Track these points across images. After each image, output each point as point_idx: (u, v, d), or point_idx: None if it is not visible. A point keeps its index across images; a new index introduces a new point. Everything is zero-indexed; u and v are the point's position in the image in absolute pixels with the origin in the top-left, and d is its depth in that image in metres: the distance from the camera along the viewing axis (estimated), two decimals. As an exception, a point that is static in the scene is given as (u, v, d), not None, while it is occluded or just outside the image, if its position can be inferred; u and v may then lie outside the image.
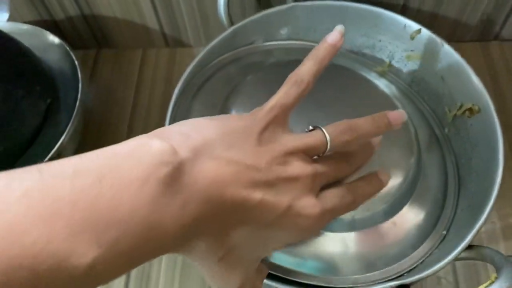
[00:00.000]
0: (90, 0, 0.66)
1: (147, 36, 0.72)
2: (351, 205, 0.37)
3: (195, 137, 0.28)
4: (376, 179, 0.39)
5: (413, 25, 0.52)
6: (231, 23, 0.55)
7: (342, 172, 0.37)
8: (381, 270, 0.41)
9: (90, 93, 0.71)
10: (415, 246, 0.43)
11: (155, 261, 0.58)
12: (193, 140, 0.28)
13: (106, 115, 0.69)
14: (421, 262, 0.42)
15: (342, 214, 0.37)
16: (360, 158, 0.39)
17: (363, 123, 0.35)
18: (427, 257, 0.43)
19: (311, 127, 0.34)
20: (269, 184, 0.30)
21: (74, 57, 0.59)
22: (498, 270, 0.39)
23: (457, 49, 0.50)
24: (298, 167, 0.31)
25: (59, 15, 0.69)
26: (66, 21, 0.70)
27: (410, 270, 0.42)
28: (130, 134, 0.67)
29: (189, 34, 0.71)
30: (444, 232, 0.44)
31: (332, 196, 0.34)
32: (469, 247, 0.40)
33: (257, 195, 0.29)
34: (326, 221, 0.34)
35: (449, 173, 0.49)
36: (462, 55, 0.49)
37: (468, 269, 0.55)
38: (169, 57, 0.73)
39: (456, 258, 0.39)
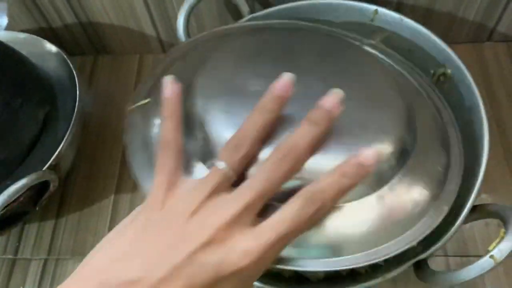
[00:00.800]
0: (86, 7, 0.67)
1: (144, 42, 0.72)
2: (319, 213, 0.30)
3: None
4: (355, 166, 0.30)
5: (369, 7, 0.54)
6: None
7: (287, 174, 0.31)
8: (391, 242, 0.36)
9: (89, 99, 0.72)
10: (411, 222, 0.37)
11: None
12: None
13: (104, 121, 0.70)
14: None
15: (310, 228, 0.31)
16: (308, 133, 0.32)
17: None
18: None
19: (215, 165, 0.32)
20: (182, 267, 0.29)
21: (71, 65, 0.59)
22: (506, 224, 0.38)
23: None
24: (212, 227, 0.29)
25: (56, 22, 0.70)
26: (63, 29, 0.71)
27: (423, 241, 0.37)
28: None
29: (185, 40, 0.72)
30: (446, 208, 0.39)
31: (278, 221, 0.29)
32: (473, 208, 0.40)
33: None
34: (278, 251, 0.30)
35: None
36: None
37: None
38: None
39: (464, 221, 0.39)
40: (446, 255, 0.54)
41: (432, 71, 0.52)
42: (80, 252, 0.60)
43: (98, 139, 0.68)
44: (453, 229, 0.39)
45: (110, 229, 0.59)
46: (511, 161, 0.60)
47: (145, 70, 0.73)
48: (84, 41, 0.73)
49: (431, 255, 0.40)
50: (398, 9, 0.64)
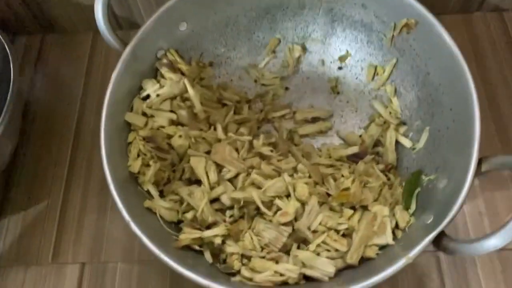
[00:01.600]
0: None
1: (97, 18, 0.64)
2: None
3: None
4: None
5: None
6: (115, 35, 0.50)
7: None
8: None
9: (36, 81, 0.64)
10: None
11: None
12: None
13: (54, 104, 0.62)
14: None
15: None
16: None
17: None
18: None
19: None
20: None
21: (5, 43, 0.51)
22: None
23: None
24: None
25: (-6, -3, 0.61)
26: (3, 5, 0.62)
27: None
28: (79, 124, 0.61)
29: (143, 14, 0.64)
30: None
31: None
32: (480, 162, 0.40)
33: None
34: None
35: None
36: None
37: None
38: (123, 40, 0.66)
39: (475, 175, 0.39)
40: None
41: (392, 24, 0.51)
42: (24, 260, 0.53)
43: (48, 122, 0.61)
44: (465, 189, 0.39)
45: (58, 232, 0.54)
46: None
47: (99, 50, 0.65)
48: (28, 19, 0.65)
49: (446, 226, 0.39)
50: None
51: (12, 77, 0.49)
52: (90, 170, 0.57)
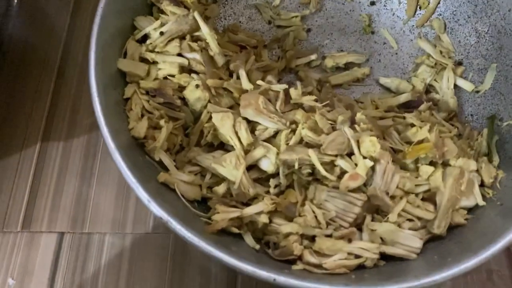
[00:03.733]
0: None
1: None
2: None
3: None
4: None
5: None
6: None
7: None
8: None
9: (10, 18, 0.51)
10: None
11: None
12: None
13: (32, 45, 0.50)
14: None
15: None
16: None
17: None
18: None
19: None
20: None
21: None
22: None
23: None
24: None
25: None
26: None
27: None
28: (63, 62, 0.49)
29: None
30: None
31: None
32: None
33: None
34: None
35: None
36: None
37: None
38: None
39: None
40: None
41: None
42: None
43: (22, 68, 0.48)
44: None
45: (32, 193, 0.43)
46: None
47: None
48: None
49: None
50: None
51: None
52: (73, 123, 0.46)
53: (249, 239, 0.35)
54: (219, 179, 0.36)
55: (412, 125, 0.38)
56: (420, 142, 0.36)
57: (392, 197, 0.34)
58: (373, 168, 0.34)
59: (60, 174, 0.44)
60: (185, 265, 0.40)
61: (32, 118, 0.46)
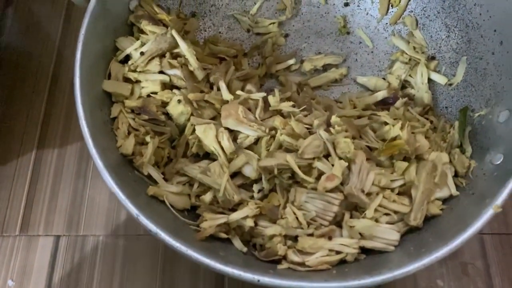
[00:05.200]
0: None
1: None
2: None
3: None
4: None
5: None
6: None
7: None
8: None
9: (4, 24, 0.54)
10: None
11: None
12: None
13: (26, 51, 0.52)
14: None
15: None
16: None
17: None
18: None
19: None
20: None
21: None
22: None
23: None
24: None
25: None
26: None
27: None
28: (57, 69, 0.51)
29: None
30: None
31: None
32: None
33: None
34: None
35: None
36: None
37: None
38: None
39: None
40: None
41: None
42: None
43: (17, 76, 0.51)
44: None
45: (29, 199, 0.45)
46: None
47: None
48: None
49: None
50: None
51: None
52: (67, 129, 0.49)
53: (237, 243, 0.37)
54: (206, 187, 0.38)
55: (386, 123, 0.40)
56: (393, 139, 0.38)
57: (369, 194, 0.36)
58: (349, 168, 0.36)
59: (55, 179, 0.47)
60: (175, 265, 0.43)
61: (27, 126, 0.48)
